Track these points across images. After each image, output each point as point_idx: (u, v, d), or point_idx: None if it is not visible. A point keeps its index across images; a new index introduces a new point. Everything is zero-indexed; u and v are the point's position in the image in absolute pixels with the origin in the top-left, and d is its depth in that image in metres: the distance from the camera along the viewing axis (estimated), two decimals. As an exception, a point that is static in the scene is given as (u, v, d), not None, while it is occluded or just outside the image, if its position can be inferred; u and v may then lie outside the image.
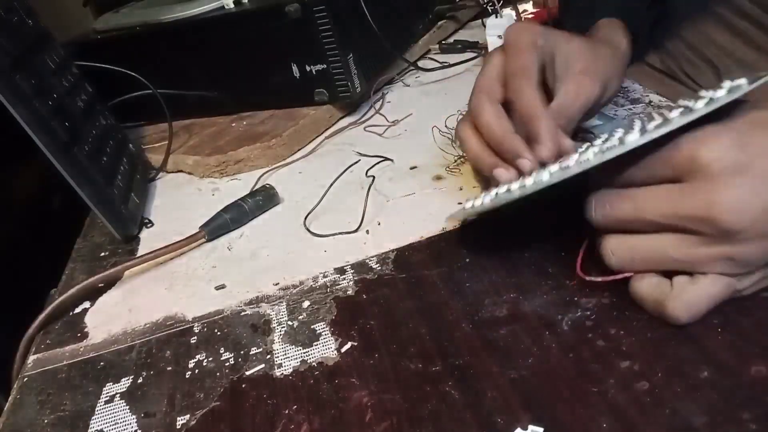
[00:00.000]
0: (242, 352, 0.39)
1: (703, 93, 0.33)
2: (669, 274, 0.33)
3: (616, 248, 0.34)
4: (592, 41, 0.48)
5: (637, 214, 0.32)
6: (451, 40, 0.85)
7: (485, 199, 0.39)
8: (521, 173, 0.41)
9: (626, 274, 0.34)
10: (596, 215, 0.34)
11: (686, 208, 0.30)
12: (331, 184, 0.55)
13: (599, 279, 0.35)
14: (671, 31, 0.65)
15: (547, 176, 0.35)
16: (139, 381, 0.39)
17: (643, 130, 0.32)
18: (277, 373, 0.36)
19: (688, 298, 0.31)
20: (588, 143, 0.37)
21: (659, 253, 0.32)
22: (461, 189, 0.50)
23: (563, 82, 0.43)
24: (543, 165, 0.39)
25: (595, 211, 0.34)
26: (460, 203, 0.48)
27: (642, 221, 0.32)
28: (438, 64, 0.78)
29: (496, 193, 0.39)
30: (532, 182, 0.36)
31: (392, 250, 0.45)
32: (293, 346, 0.38)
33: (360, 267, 0.44)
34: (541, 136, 0.40)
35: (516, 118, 0.43)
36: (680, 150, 0.31)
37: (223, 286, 0.46)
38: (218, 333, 0.41)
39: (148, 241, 0.55)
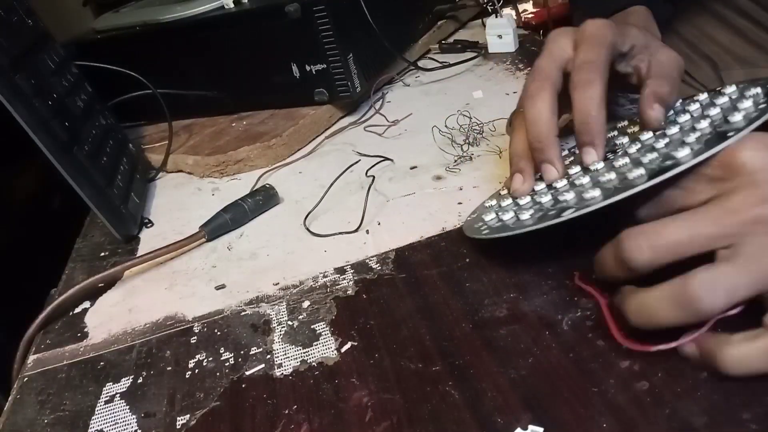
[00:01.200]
0: (242, 352, 0.39)
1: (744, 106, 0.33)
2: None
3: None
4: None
5: (693, 238, 0.29)
6: (451, 39, 0.85)
7: (525, 219, 0.37)
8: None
9: (686, 339, 0.29)
10: (642, 255, 0.30)
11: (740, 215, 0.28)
12: (331, 184, 0.55)
13: (655, 348, 0.30)
14: (670, 29, 0.65)
15: (599, 196, 0.34)
16: (139, 381, 0.39)
17: (696, 145, 0.32)
18: (277, 373, 0.36)
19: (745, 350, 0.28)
20: (621, 152, 0.37)
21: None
22: (461, 189, 0.50)
23: (652, 54, 0.39)
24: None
25: (638, 251, 0.30)
26: (460, 203, 0.48)
27: (697, 244, 0.29)
28: (438, 64, 0.78)
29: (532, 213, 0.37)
30: (587, 198, 0.35)
31: (392, 250, 0.45)
32: (293, 346, 0.38)
33: (360, 267, 0.44)
34: (596, 141, 0.37)
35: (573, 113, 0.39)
36: (721, 159, 0.30)
37: (223, 286, 0.46)
38: (218, 333, 0.41)
39: (148, 241, 0.55)
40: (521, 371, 0.32)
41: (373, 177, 0.55)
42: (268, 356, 0.38)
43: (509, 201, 0.40)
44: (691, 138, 0.33)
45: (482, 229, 0.40)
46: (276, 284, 0.45)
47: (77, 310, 0.48)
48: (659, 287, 0.29)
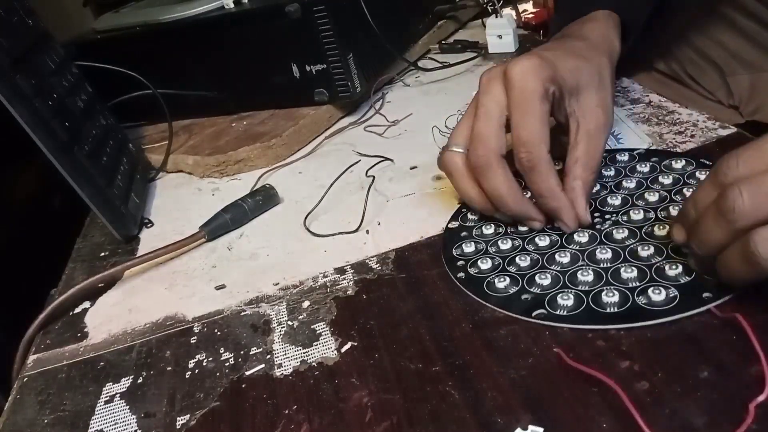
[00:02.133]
0: (242, 352, 0.39)
1: None
2: None
3: None
4: (588, 56, 0.44)
5: None
6: (451, 40, 0.85)
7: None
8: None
9: None
10: None
11: None
12: (331, 184, 0.54)
13: None
14: (677, 34, 0.65)
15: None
16: (139, 381, 0.39)
17: None
18: (277, 373, 0.36)
19: None
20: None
21: None
22: (461, 189, 0.50)
23: (578, 133, 0.41)
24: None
25: None
26: (460, 203, 0.48)
27: None
28: (438, 64, 0.78)
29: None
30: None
31: (392, 250, 0.45)
32: (293, 346, 0.38)
33: (360, 267, 0.44)
34: (563, 215, 0.40)
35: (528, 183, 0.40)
36: None
37: (223, 286, 0.46)
38: (218, 333, 0.41)
39: (148, 241, 0.55)
40: (521, 371, 0.32)
41: (373, 177, 0.55)
42: (268, 356, 0.38)
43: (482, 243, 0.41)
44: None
45: (458, 275, 0.40)
46: (276, 284, 0.45)
47: (77, 310, 0.48)
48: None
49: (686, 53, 0.64)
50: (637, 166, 0.45)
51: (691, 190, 0.40)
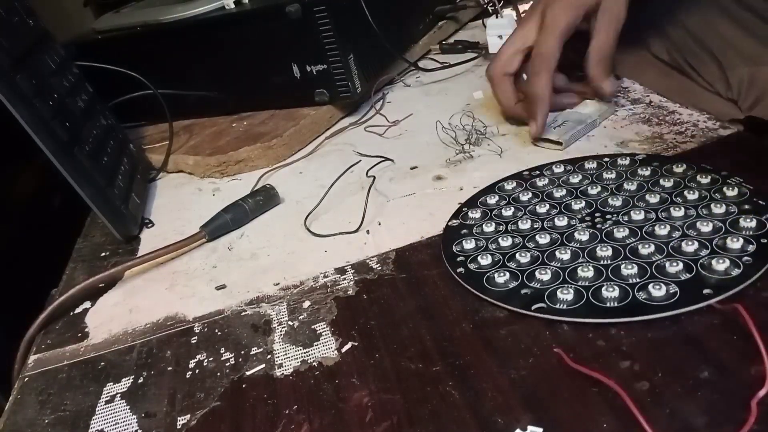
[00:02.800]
0: (243, 352, 0.39)
1: None
2: None
3: None
4: None
5: None
6: (451, 40, 0.85)
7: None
8: None
9: None
10: None
11: None
12: (332, 185, 0.55)
13: None
14: (676, 20, 0.65)
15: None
16: (140, 381, 0.39)
17: None
18: (278, 373, 0.36)
19: None
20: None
21: None
22: (461, 189, 0.50)
23: (596, 29, 0.53)
24: None
25: None
26: (460, 203, 0.48)
27: None
28: (438, 65, 0.78)
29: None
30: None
31: (392, 250, 0.45)
32: (294, 346, 0.38)
33: (360, 267, 0.44)
34: (537, 118, 0.53)
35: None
36: None
37: (223, 286, 0.46)
38: (219, 333, 0.41)
39: (149, 241, 0.55)
40: (521, 371, 0.32)
41: (374, 177, 0.55)
42: (269, 356, 0.38)
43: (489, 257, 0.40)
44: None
45: (458, 270, 0.40)
46: (276, 284, 0.45)
47: (78, 310, 0.48)
48: None
49: (687, 42, 0.64)
50: (639, 170, 0.45)
51: (692, 193, 0.40)
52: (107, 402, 0.38)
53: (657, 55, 0.67)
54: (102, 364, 0.41)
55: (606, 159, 0.47)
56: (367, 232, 0.48)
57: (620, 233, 0.39)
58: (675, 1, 0.65)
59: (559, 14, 0.52)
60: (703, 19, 0.63)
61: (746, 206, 0.38)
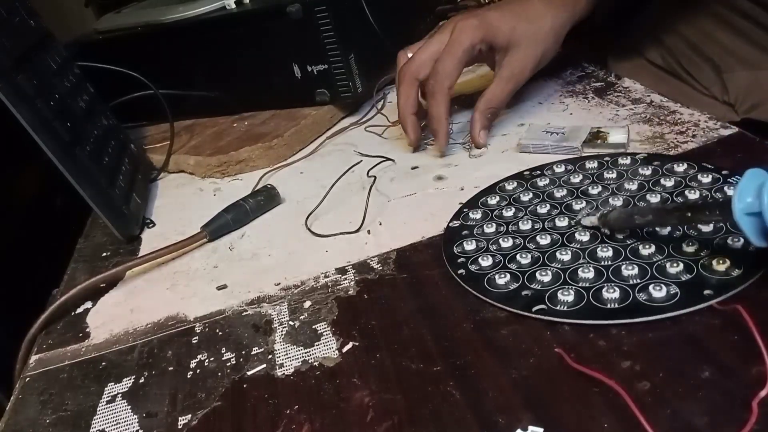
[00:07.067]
0: (244, 352, 0.39)
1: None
2: None
3: None
4: (535, 15, 0.54)
5: None
6: (452, 40, 0.85)
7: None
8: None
9: None
10: None
11: None
12: (333, 185, 0.55)
13: None
14: (669, 27, 0.65)
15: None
16: (141, 381, 0.39)
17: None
18: (279, 373, 0.36)
19: None
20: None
21: None
22: (462, 189, 0.50)
23: (495, 78, 0.55)
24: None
25: None
26: (461, 203, 0.48)
27: None
28: (439, 64, 0.78)
29: None
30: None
31: (393, 250, 0.45)
32: (294, 346, 0.38)
33: (361, 267, 0.44)
34: (439, 138, 0.55)
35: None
36: None
37: (224, 286, 0.46)
38: (220, 333, 0.41)
39: (150, 241, 0.55)
40: (522, 371, 0.32)
41: (375, 177, 0.55)
42: (270, 356, 0.38)
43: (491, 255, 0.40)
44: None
45: (459, 271, 0.40)
46: (277, 284, 0.45)
47: (79, 310, 0.48)
48: None
49: (681, 48, 0.64)
50: (639, 170, 0.45)
51: (692, 192, 0.40)
52: (108, 402, 0.38)
53: (652, 60, 0.67)
54: (103, 364, 0.41)
55: (607, 158, 0.47)
56: (368, 232, 0.48)
57: (621, 233, 0.38)
58: (667, 8, 0.65)
59: (463, 34, 0.52)
60: (697, 25, 0.63)
61: None
